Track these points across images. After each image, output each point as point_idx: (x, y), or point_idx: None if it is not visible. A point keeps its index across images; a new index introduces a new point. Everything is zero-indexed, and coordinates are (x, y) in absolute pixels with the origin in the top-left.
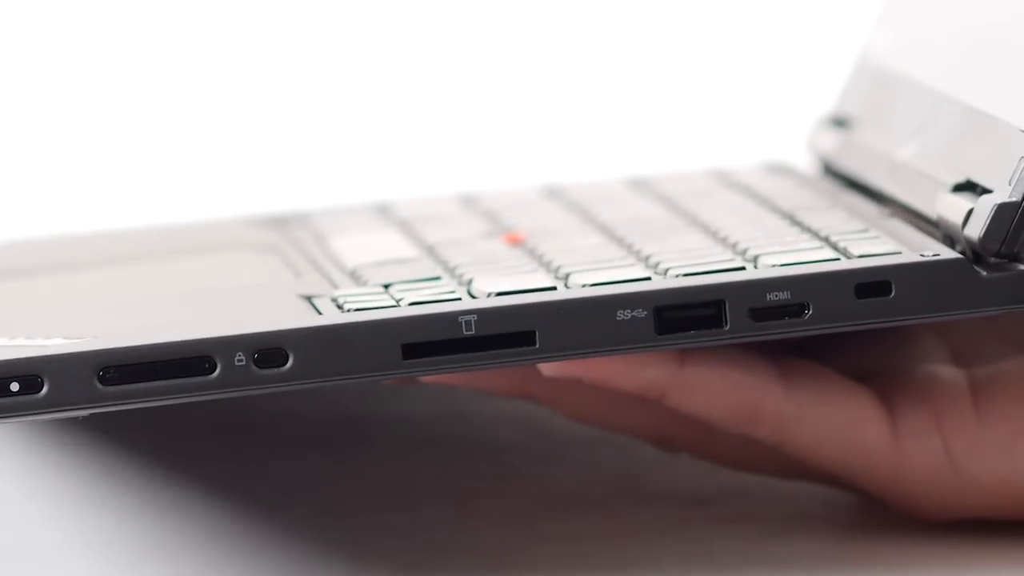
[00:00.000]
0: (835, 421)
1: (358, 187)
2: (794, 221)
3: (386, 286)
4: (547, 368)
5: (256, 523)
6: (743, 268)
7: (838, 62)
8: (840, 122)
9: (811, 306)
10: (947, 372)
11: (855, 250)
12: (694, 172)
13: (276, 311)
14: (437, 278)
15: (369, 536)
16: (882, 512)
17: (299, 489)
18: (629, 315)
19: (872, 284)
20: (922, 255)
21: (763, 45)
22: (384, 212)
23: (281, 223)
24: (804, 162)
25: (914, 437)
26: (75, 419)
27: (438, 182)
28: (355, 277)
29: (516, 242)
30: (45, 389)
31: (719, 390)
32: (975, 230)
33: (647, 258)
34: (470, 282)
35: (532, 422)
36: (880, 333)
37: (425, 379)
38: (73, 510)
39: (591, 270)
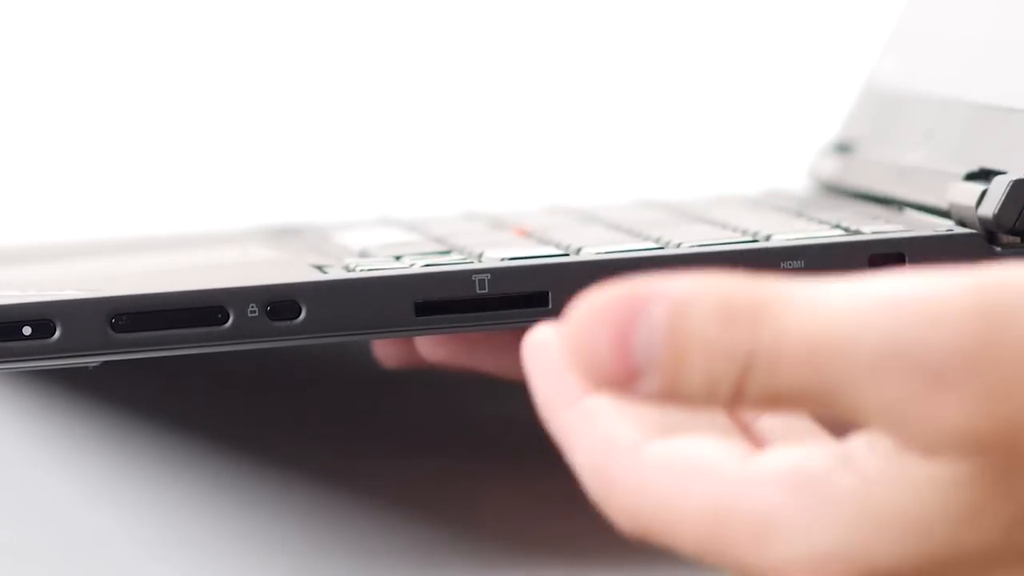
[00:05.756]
0: None
1: (356, 207)
2: (802, 214)
3: (397, 257)
4: None
5: (257, 522)
6: (755, 242)
7: (835, 95)
8: (843, 147)
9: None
10: None
11: (867, 229)
12: (696, 197)
13: (289, 271)
14: (448, 252)
15: (370, 536)
16: None
17: (300, 488)
18: None
19: (886, 256)
20: (936, 230)
21: (761, 77)
22: (386, 222)
23: (282, 232)
24: (805, 189)
25: None
26: (85, 368)
27: (436, 204)
28: (364, 255)
29: (524, 234)
30: (57, 334)
31: None
32: (989, 208)
33: (658, 239)
34: (481, 254)
35: (534, 422)
36: None
37: (434, 356)
38: (68, 502)
39: (603, 244)
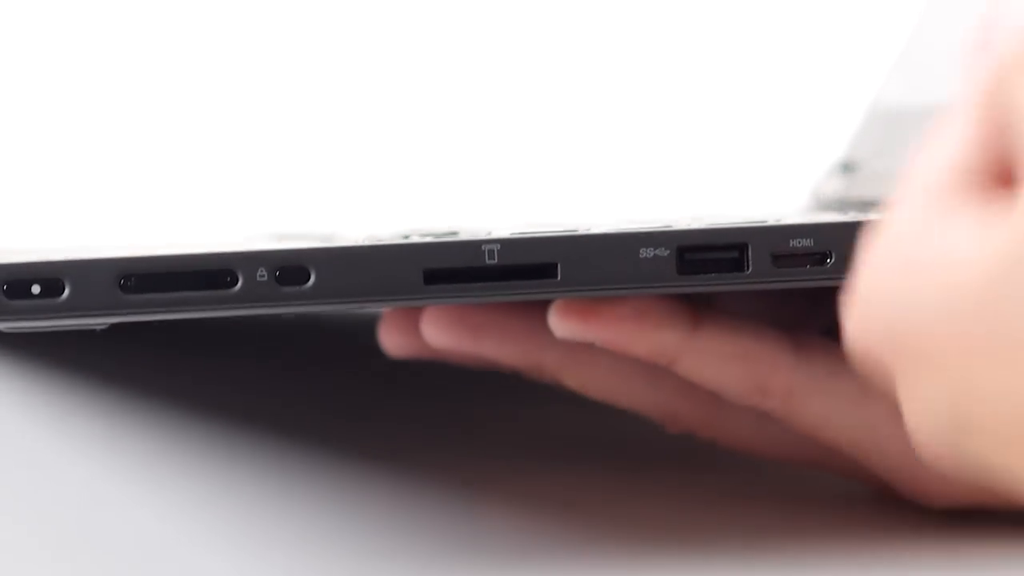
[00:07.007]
0: (845, 394)
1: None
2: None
3: (406, 237)
4: (560, 328)
5: (256, 522)
6: (766, 221)
7: (837, 119)
8: (848, 167)
9: (833, 255)
10: None
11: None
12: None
13: (298, 241)
14: (456, 233)
15: (369, 536)
16: (887, 507)
17: (299, 488)
18: (652, 253)
19: None
20: None
21: (763, 102)
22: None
23: (281, 238)
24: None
25: None
26: (93, 330)
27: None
28: (371, 238)
29: None
30: (66, 293)
31: (731, 357)
32: None
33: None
34: (490, 232)
35: (533, 423)
36: None
37: (439, 341)
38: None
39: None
